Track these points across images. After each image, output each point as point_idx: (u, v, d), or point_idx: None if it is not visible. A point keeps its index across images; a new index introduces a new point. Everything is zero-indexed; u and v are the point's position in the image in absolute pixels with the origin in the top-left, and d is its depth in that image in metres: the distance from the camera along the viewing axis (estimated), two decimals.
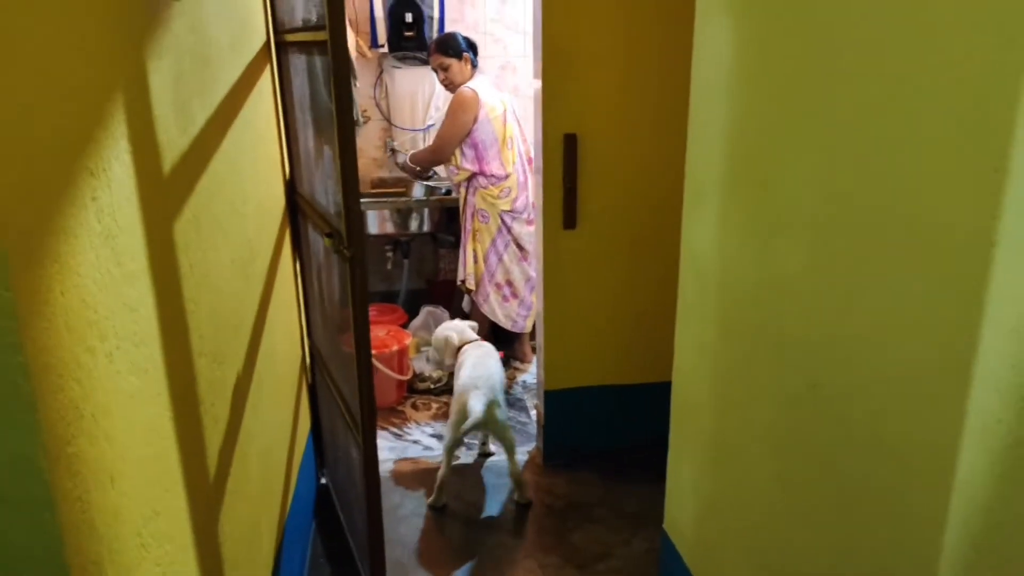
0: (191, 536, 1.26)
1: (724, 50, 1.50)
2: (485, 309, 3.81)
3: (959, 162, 0.89)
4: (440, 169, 4.17)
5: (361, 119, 4.18)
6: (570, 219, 2.75)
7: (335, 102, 1.63)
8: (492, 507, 2.75)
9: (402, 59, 4.49)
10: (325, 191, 2.03)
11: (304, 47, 2.07)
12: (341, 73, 1.61)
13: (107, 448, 0.91)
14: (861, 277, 1.10)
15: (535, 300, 3.69)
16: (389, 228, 4.42)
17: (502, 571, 2.39)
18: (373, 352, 3.52)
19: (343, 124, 1.65)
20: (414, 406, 3.69)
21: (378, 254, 4.71)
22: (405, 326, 4.08)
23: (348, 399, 2.09)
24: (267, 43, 2.33)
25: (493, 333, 4.23)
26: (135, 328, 1.04)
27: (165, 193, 1.21)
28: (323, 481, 2.91)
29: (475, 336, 3.13)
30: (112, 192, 0.97)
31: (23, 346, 0.71)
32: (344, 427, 2.25)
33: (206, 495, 1.36)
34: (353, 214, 1.72)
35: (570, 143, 2.67)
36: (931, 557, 0.98)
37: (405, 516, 2.71)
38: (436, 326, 3.98)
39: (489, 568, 2.40)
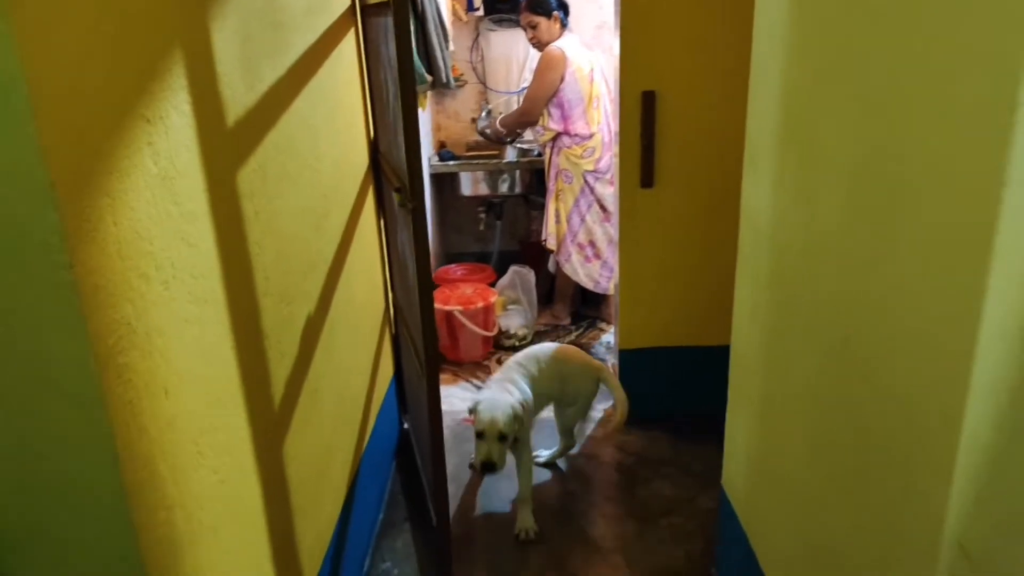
0: (252, 453, 1.41)
1: (778, 19, 1.48)
2: (567, 269, 3.85)
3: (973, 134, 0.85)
4: (528, 131, 4.21)
5: (454, 82, 4.27)
6: (647, 177, 2.73)
7: (395, 59, 1.71)
8: (561, 460, 2.82)
9: (497, 22, 4.54)
10: (397, 149, 2.13)
11: (381, 8, 2.16)
12: (401, 29, 1.69)
13: (161, 363, 1.05)
14: (889, 235, 1.06)
15: None
16: (482, 190, 4.52)
17: (566, 518, 2.46)
18: (460, 308, 3.66)
19: (404, 82, 1.73)
20: (499, 361, 3.80)
21: (471, 216, 4.83)
22: (493, 285, 4.19)
23: (417, 341, 2.21)
24: (352, 6, 2.45)
25: (580, 294, 4.28)
26: (194, 262, 1.17)
27: (228, 143, 1.34)
28: (405, 426, 3.09)
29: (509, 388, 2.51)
30: (169, 139, 1.09)
31: (72, 266, 0.84)
32: (416, 371, 2.38)
33: (270, 420, 1.51)
34: (413, 169, 1.80)
35: (648, 100, 2.64)
36: (939, 509, 0.96)
37: None
38: (522, 285, 4.08)
39: (553, 514, 2.49)
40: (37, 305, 0.85)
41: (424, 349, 2.01)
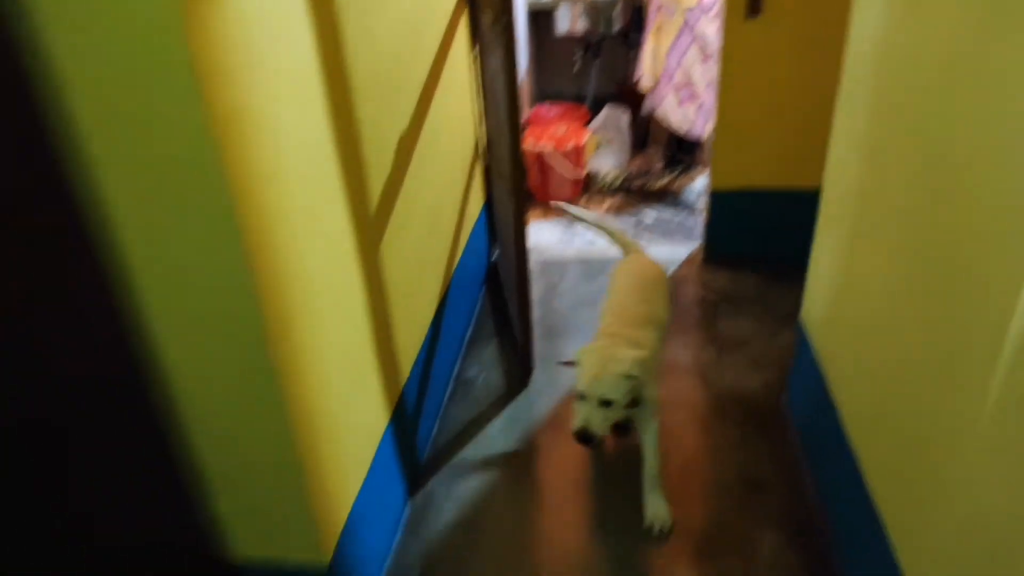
0: (353, 246, 1.54)
1: None
2: (659, 112, 3.74)
3: None
4: None
5: None
6: (754, 4, 2.55)
7: None
8: None
9: None
10: None
11: None
12: None
13: (268, 145, 1.15)
14: (998, 55, 1.00)
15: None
16: (581, 27, 4.34)
17: None
18: (552, 148, 3.66)
19: None
20: (588, 202, 3.83)
21: (567, 55, 4.68)
22: (588, 125, 4.13)
23: (505, 167, 2.26)
24: None
25: (676, 140, 4.17)
26: (294, 61, 1.24)
27: None
28: (494, 258, 3.22)
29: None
30: None
31: (187, 46, 0.92)
32: (505, 201, 2.45)
33: (367, 219, 1.63)
34: None
35: None
36: (1008, 310, 0.97)
37: (562, 293, 2.96)
38: (616, 126, 4.00)
39: None
40: (160, 84, 0.95)
41: (511, 160, 2.06)
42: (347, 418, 1.55)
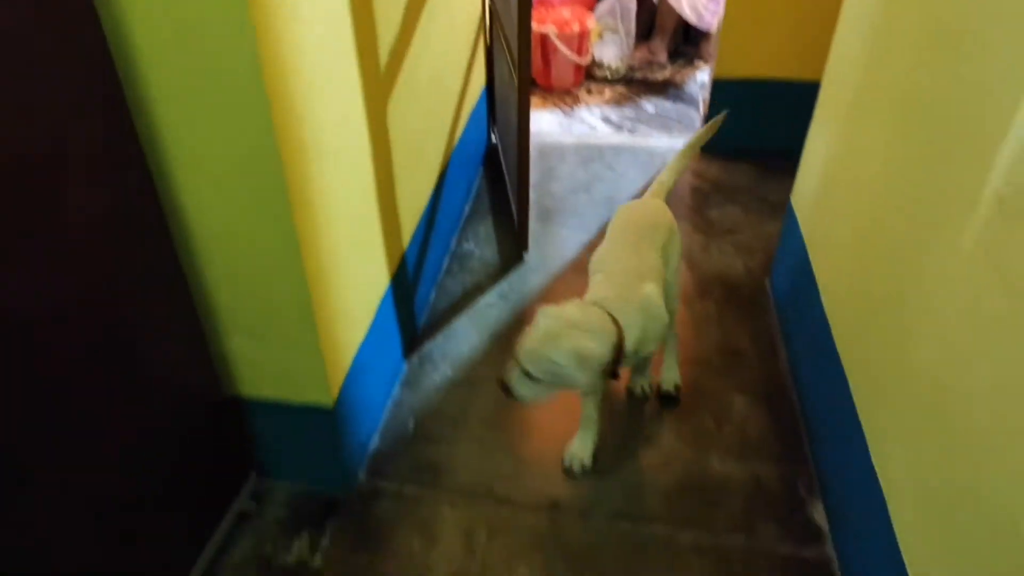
0: (362, 106, 1.56)
1: None
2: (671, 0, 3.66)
3: None
4: None
5: None
6: None
7: None
8: (638, 181, 2.93)
9: None
10: None
11: None
12: None
13: None
14: None
15: None
16: None
17: None
18: (555, 31, 3.59)
19: None
20: (588, 91, 3.80)
21: None
22: (593, 11, 4.03)
23: (511, 45, 2.24)
24: None
25: (683, 31, 4.09)
26: None
27: None
28: (493, 141, 3.23)
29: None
30: None
31: None
32: (507, 82, 2.44)
33: (376, 78, 1.65)
34: None
35: None
36: (985, 168, 1.03)
37: (559, 177, 2.99)
38: (622, 13, 3.91)
39: None
40: None
41: (518, 43, 2.06)
42: (353, 270, 1.63)
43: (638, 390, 1.96)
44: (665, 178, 1.99)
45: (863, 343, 1.50)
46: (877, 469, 1.35)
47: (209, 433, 1.55)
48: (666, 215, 1.85)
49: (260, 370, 1.56)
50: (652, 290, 1.62)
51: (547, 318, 1.53)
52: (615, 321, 1.54)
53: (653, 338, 1.64)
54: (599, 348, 1.50)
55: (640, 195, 2.03)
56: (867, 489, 1.37)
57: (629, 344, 1.55)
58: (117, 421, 1.25)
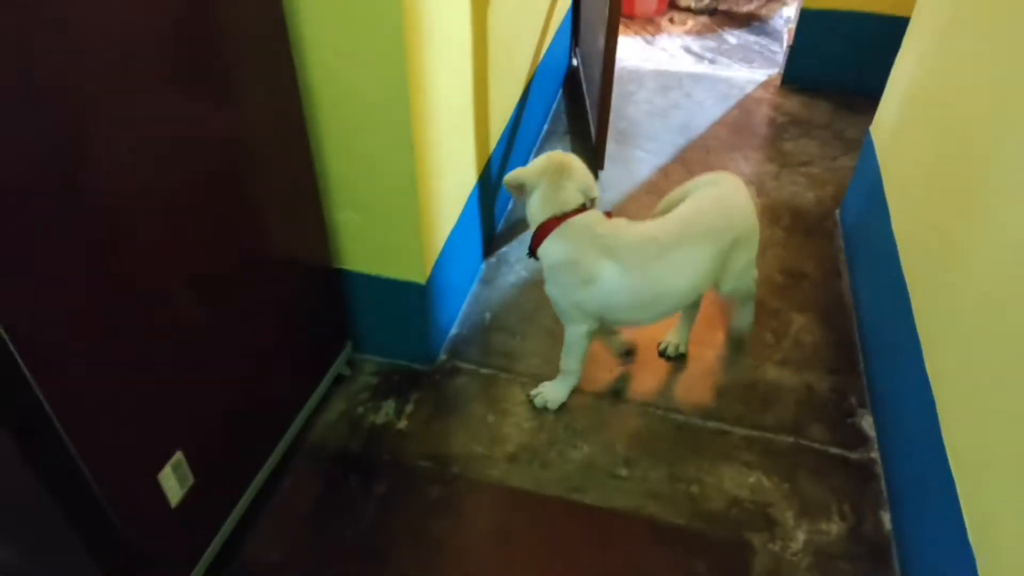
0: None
1: None
2: None
3: None
4: None
5: None
6: None
7: None
8: (715, 111, 2.97)
9: None
10: None
11: None
12: None
13: None
14: None
15: None
16: None
17: (711, 153, 2.70)
18: None
19: None
20: (671, 20, 3.79)
21: None
22: None
23: None
24: None
25: None
26: None
27: None
28: (575, 63, 3.28)
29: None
30: None
31: None
32: (593, 5, 2.49)
33: None
34: None
35: None
36: None
37: (637, 102, 3.05)
38: None
39: (699, 147, 2.73)
40: None
41: None
42: (451, 160, 1.76)
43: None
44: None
45: (928, 258, 1.57)
46: (930, 374, 1.45)
47: (316, 301, 1.73)
48: (748, 219, 1.72)
49: (364, 244, 1.72)
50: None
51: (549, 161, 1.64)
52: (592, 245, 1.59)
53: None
54: (569, 246, 1.60)
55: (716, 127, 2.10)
56: (919, 395, 1.47)
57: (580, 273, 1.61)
58: (240, 283, 1.40)
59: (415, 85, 1.43)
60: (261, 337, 1.51)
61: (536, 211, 1.64)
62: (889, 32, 2.84)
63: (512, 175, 1.65)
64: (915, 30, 1.96)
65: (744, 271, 1.78)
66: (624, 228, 1.65)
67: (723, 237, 1.66)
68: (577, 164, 1.66)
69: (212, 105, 1.21)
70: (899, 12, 2.78)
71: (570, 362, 1.79)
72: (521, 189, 1.65)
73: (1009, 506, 1.10)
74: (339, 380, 1.87)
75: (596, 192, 1.66)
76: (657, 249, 1.61)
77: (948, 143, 1.57)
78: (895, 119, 1.99)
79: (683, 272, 1.63)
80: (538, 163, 1.65)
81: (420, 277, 1.74)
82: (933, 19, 1.82)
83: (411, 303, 1.79)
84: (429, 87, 1.51)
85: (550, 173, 1.62)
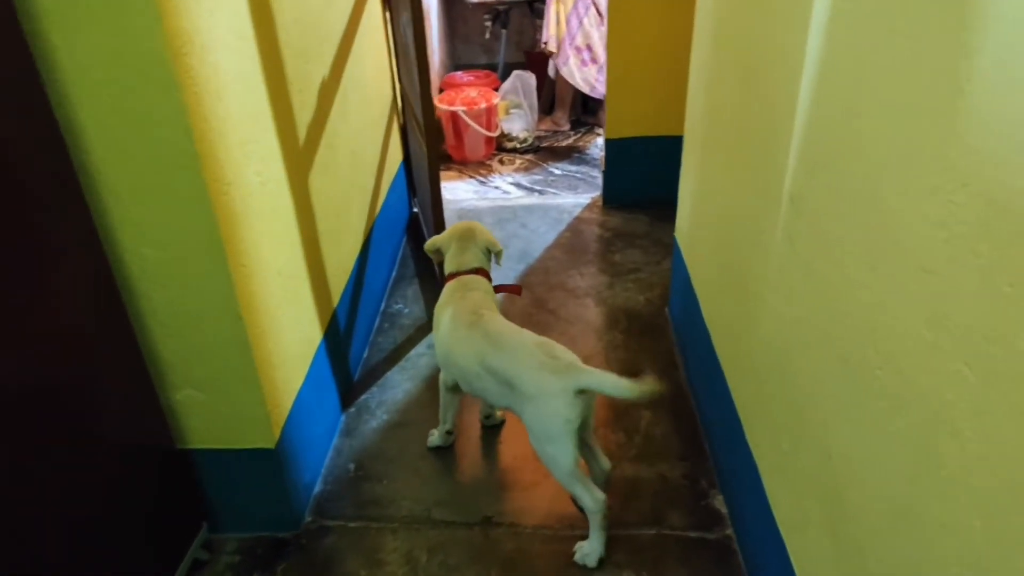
0: (284, 171, 1.79)
1: None
2: (564, 72, 4.07)
3: None
4: None
5: None
6: None
7: None
8: (549, 236, 3.23)
9: None
10: None
11: None
12: None
13: (213, 73, 1.39)
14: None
15: None
16: None
17: (550, 274, 2.91)
18: (464, 109, 3.93)
19: None
20: (500, 161, 4.14)
21: (478, 26, 4.96)
22: (498, 90, 4.42)
23: (419, 116, 2.52)
24: None
25: (581, 102, 4.51)
26: (230, 1, 1.48)
27: None
28: (415, 210, 3.48)
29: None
30: None
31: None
32: (421, 154, 2.72)
33: (296, 150, 1.88)
34: None
35: None
36: (783, 174, 1.32)
37: None
38: (524, 89, 4.31)
39: (539, 270, 2.93)
40: (123, 9, 1.19)
41: (423, 116, 2.34)
42: (287, 322, 1.81)
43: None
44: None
45: (731, 340, 1.76)
46: (750, 443, 1.59)
47: (161, 486, 1.67)
48: (538, 385, 1.67)
49: (206, 420, 1.71)
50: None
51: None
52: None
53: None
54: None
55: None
56: (746, 465, 1.60)
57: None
58: (73, 475, 1.37)
59: (235, 263, 1.50)
60: (99, 532, 1.44)
61: (446, 267, 2.03)
62: (678, 149, 3.24)
63: (430, 241, 2.09)
64: (687, 146, 2.27)
65: (535, 439, 1.71)
66: (480, 299, 1.91)
67: (516, 378, 1.69)
68: (479, 228, 2.05)
69: (24, 305, 1.22)
70: (680, 132, 3.20)
71: (441, 409, 2.07)
72: (438, 252, 2.07)
73: (823, 557, 1.21)
74: (197, 566, 1.79)
75: (499, 247, 2.04)
76: (476, 325, 1.81)
77: (722, 238, 1.81)
78: (688, 222, 2.25)
79: (470, 358, 1.80)
80: (449, 230, 2.07)
81: (269, 442, 1.73)
82: (694, 137, 2.14)
83: (264, 469, 1.77)
84: (252, 261, 1.58)
85: (457, 238, 2.02)
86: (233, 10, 1.50)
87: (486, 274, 2.02)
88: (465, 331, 1.82)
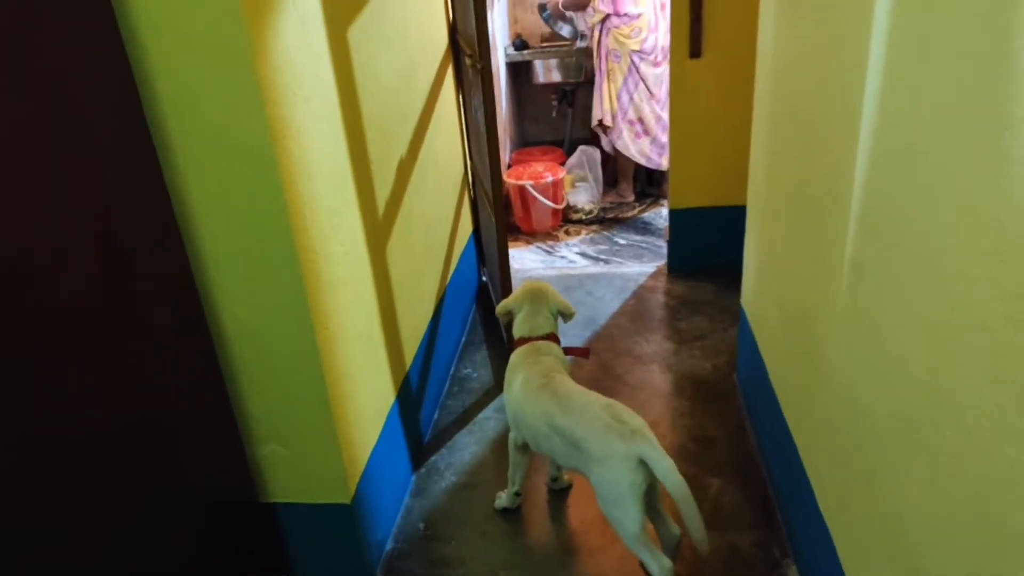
0: (364, 242, 1.93)
1: None
2: (619, 145, 4.20)
3: None
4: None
5: None
6: (695, 48, 3.02)
7: None
8: (615, 303, 3.28)
9: None
10: (469, 23, 2.53)
11: None
12: None
13: (305, 154, 1.55)
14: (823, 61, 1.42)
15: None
16: (555, 77, 4.85)
17: (616, 340, 2.94)
18: (532, 183, 4.09)
19: None
20: (567, 232, 4.25)
21: (546, 104, 5.18)
22: (564, 164, 4.57)
23: (484, 179, 2.65)
24: None
25: (646, 175, 4.62)
26: (322, 90, 1.65)
27: (338, 6, 1.79)
28: (484, 279, 3.60)
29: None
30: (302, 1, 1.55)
31: (255, 70, 1.32)
32: (490, 226, 2.85)
33: (376, 222, 2.03)
34: (481, 33, 2.21)
35: None
36: (843, 239, 1.36)
37: None
38: (589, 164, 4.45)
39: (605, 337, 2.97)
40: (232, 99, 1.36)
41: (491, 188, 2.47)
42: (364, 384, 1.91)
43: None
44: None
45: (800, 406, 1.76)
46: (822, 510, 1.57)
47: (245, 538, 1.76)
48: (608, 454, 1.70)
49: (287, 475, 1.80)
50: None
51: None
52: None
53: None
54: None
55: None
56: (820, 534, 1.58)
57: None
58: (163, 525, 1.47)
59: (320, 325, 1.62)
60: None
61: (515, 329, 2.08)
62: (741, 218, 3.27)
63: (501, 304, 2.14)
64: (751, 215, 2.32)
65: (602, 501, 1.73)
66: (551, 363, 1.96)
67: (585, 443, 1.72)
68: (550, 290, 2.12)
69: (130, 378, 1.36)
70: (743, 202, 3.24)
71: (510, 470, 2.09)
72: (509, 314, 2.12)
73: None
74: None
75: (572, 310, 2.11)
76: (546, 387, 1.86)
77: (788, 308, 1.83)
78: (754, 289, 2.28)
79: (539, 417, 1.85)
80: (519, 292, 2.12)
81: (345, 498, 1.81)
82: (757, 206, 2.18)
83: (340, 525, 1.84)
84: (334, 324, 1.70)
85: (529, 300, 2.08)
86: (325, 98, 1.67)
87: (556, 339, 2.08)
88: (535, 392, 1.88)
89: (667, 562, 1.69)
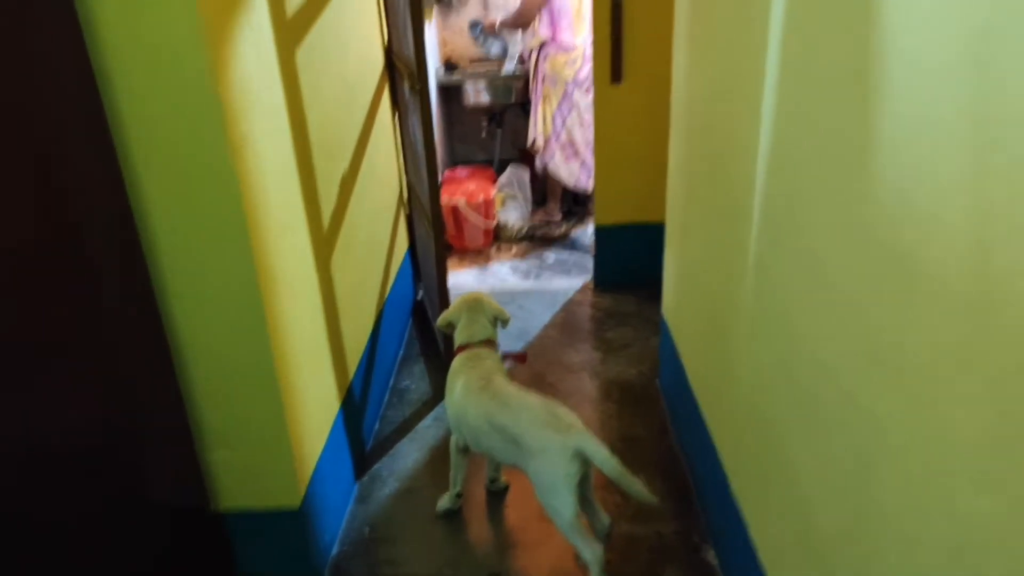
0: (311, 250, 2.01)
1: None
2: (551, 166, 4.40)
3: None
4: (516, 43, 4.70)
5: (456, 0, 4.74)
6: (616, 73, 3.24)
7: None
8: (545, 316, 3.44)
9: None
10: (407, 46, 2.66)
11: None
12: None
13: (261, 169, 1.64)
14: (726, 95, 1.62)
15: None
16: (484, 99, 5.02)
17: (548, 351, 3.10)
18: (464, 201, 4.22)
19: None
20: (498, 249, 4.40)
21: (475, 126, 5.34)
22: (495, 183, 4.73)
23: (426, 205, 2.77)
24: None
25: (572, 195, 4.84)
26: (273, 103, 1.75)
27: (287, 29, 1.89)
28: (419, 297, 3.70)
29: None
30: (257, 23, 1.65)
31: (218, 90, 1.41)
32: (426, 240, 2.96)
33: (321, 234, 2.11)
34: (420, 58, 2.35)
35: (616, 6, 3.13)
36: (748, 241, 1.55)
37: None
38: (519, 183, 4.63)
39: (537, 348, 3.12)
40: (197, 112, 1.44)
41: (430, 206, 2.59)
42: (312, 391, 1.99)
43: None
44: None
45: (715, 401, 1.94)
46: (735, 496, 1.75)
47: (196, 546, 1.80)
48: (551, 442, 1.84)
49: (239, 480, 1.85)
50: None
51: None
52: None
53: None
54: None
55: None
56: (733, 520, 1.75)
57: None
58: (115, 535, 1.51)
59: (273, 328, 1.70)
60: None
61: (456, 337, 2.21)
62: (661, 234, 3.49)
63: (442, 317, 2.24)
64: (669, 230, 2.52)
65: (539, 491, 1.87)
66: (490, 366, 2.09)
67: (526, 437, 1.86)
68: (486, 299, 2.24)
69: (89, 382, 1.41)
70: (663, 219, 3.46)
71: (451, 472, 2.20)
72: (450, 325, 2.22)
73: None
74: None
75: (507, 315, 2.24)
76: (486, 389, 2.00)
77: (703, 309, 2.02)
78: (673, 299, 2.47)
79: (479, 417, 1.98)
80: (458, 303, 2.24)
81: (295, 501, 1.87)
82: (674, 222, 2.39)
83: (289, 529, 1.90)
84: (285, 329, 1.78)
85: (466, 309, 2.20)
86: (277, 116, 1.77)
87: (494, 344, 2.21)
88: (476, 394, 2.00)
89: (598, 547, 1.83)
